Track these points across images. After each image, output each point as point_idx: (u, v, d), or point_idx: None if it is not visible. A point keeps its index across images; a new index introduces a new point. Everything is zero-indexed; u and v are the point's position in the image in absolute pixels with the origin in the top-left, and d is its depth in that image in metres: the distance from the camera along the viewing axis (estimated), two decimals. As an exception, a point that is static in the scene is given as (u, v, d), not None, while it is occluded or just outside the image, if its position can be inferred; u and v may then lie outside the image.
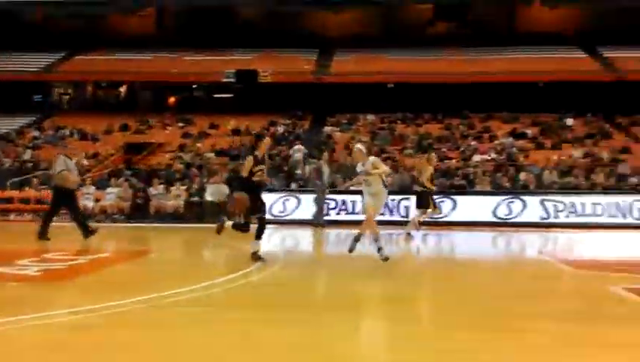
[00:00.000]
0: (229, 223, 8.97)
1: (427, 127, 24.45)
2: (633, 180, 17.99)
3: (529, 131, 23.37)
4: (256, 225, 8.81)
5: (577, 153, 20.64)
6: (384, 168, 8.98)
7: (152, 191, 17.50)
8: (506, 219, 16.19)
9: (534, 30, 29.41)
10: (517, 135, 22.83)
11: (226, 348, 4.61)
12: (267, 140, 9.26)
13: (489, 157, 20.43)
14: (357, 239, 8.94)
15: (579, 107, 25.14)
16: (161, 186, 17.74)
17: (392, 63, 27.31)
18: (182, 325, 5.31)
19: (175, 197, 17.41)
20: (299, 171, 19.17)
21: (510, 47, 28.10)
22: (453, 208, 16.36)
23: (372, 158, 8.99)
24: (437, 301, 6.63)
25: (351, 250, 8.92)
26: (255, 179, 8.69)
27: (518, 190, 17.25)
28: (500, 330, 5.25)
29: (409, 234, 13.24)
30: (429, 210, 13.59)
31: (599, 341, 4.96)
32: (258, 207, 8.78)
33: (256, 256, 8.80)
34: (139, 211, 17.15)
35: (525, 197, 16.45)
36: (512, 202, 16.30)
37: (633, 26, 28.38)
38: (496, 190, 17.34)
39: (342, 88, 26.28)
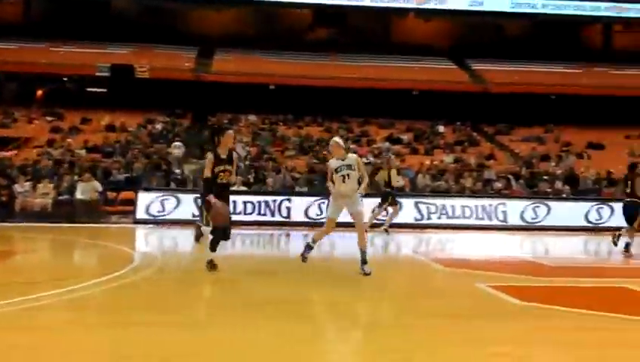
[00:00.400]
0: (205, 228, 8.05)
1: (308, 129, 24.77)
2: (498, 185, 19.27)
3: (404, 137, 24.37)
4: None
5: (448, 158, 21.79)
6: (365, 174, 8.22)
7: (17, 188, 16.32)
8: (383, 220, 16.70)
9: (409, 41, 30.72)
10: (393, 140, 23.71)
11: (91, 352, 4.37)
12: (230, 133, 7.90)
13: (367, 161, 21.00)
14: (363, 256, 8.06)
15: (449, 115, 26.58)
16: (28, 183, 16.58)
17: (273, 65, 27.38)
18: (50, 329, 4.97)
19: (43, 196, 16.35)
20: (178, 170, 18.69)
21: (386, 55, 29.12)
22: (333, 209, 16.64)
23: (354, 155, 8.25)
24: (312, 300, 6.65)
25: (366, 273, 7.91)
26: (220, 181, 7.55)
27: (394, 192, 17.85)
28: (371, 326, 5.37)
29: (386, 230, 14.05)
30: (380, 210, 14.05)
31: (465, 335, 5.23)
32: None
33: (211, 264, 7.79)
34: (2, 209, 15.92)
35: (401, 200, 17.06)
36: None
37: (498, 41, 30.54)
38: (374, 192, 17.83)
39: (223, 87, 25.94)
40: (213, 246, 7.75)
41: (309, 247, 8.35)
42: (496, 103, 26.91)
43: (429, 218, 17.01)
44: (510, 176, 19.97)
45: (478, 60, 29.68)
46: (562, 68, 29.33)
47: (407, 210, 16.96)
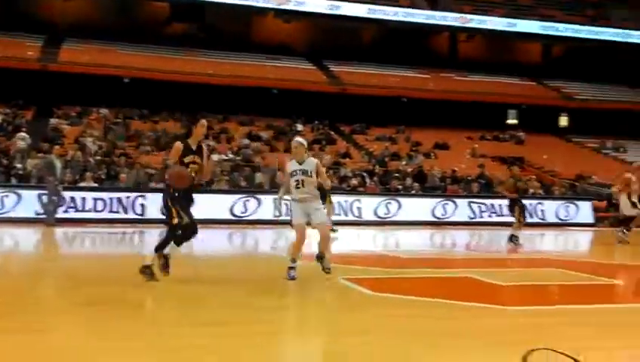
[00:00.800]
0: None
1: (165, 124, 24.03)
2: (353, 182, 19.89)
3: (264, 134, 24.41)
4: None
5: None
6: (327, 180, 7.72)
7: None
8: (242, 216, 16.63)
9: (269, 40, 30.84)
10: (253, 137, 23.68)
11: None
12: (204, 123, 6.96)
13: (227, 158, 20.82)
14: (321, 257, 7.55)
15: (308, 114, 27.02)
16: None
17: (128, 58, 26.25)
18: None
19: None
20: (20, 165, 17.31)
21: (247, 53, 29.04)
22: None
23: (314, 160, 7.57)
24: (159, 299, 6.41)
25: (328, 269, 7.49)
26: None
27: (253, 189, 17.86)
28: (231, 323, 5.28)
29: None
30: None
31: (327, 328, 5.32)
32: (177, 210, 6.71)
33: (148, 271, 6.79)
34: None
35: (260, 196, 17.10)
36: (247, 201, 16.81)
37: (355, 45, 31.56)
38: (233, 189, 17.76)
39: (71, 79, 24.39)
40: (161, 245, 6.82)
41: (291, 269, 7.37)
42: (352, 104, 27.79)
43: (288, 214, 17.11)
44: (365, 174, 20.70)
45: (335, 62, 30.47)
46: (413, 73, 30.93)
47: (267, 206, 17.01)
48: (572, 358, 4.13)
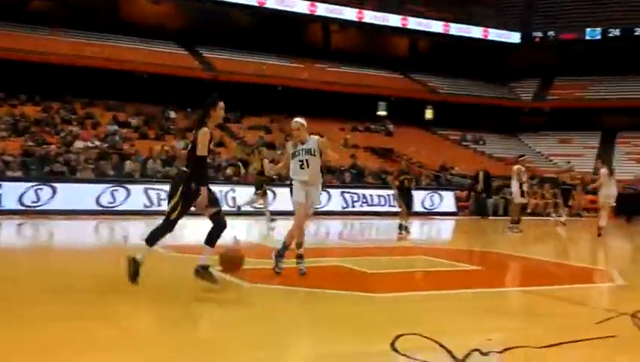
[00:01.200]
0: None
1: (23, 108, 22.47)
2: (228, 172, 19.72)
3: (133, 120, 23.52)
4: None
5: (179, 144, 21.59)
6: (335, 155, 7.31)
7: None
8: (110, 207, 15.92)
9: (138, 22, 29.67)
10: (121, 123, 22.73)
11: None
12: (222, 105, 6.16)
13: (92, 145, 19.83)
14: (281, 251, 7.16)
15: (180, 101, 26.34)
16: None
17: (-19, 35, 24.19)
18: None
19: None
20: None
21: (114, 35, 27.76)
22: (53, 196, 15.37)
23: (315, 137, 7.00)
24: (29, 291, 6.05)
25: (302, 273, 7.08)
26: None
27: (122, 178, 17.15)
28: (95, 319, 5.06)
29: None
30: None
31: (206, 322, 5.24)
32: (212, 198, 6.22)
33: (205, 273, 6.12)
34: None
35: (129, 186, 16.44)
36: (115, 190, 16.10)
37: (229, 30, 31.15)
38: (100, 178, 16.97)
39: None
40: (153, 238, 6.24)
41: (280, 257, 7.09)
42: (225, 92, 27.25)
43: (159, 204, 16.63)
44: (239, 163, 20.54)
45: (208, 48, 29.90)
46: (288, 62, 31.08)
47: (137, 196, 16.43)
48: (437, 343, 4.36)
